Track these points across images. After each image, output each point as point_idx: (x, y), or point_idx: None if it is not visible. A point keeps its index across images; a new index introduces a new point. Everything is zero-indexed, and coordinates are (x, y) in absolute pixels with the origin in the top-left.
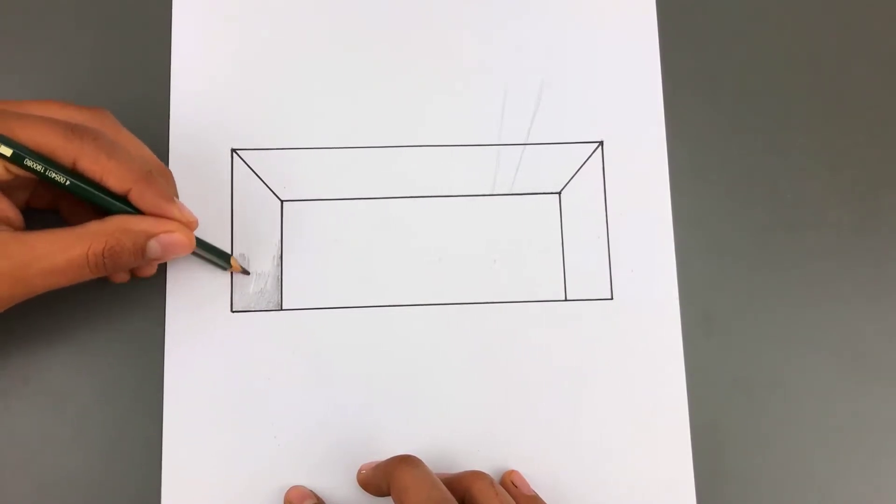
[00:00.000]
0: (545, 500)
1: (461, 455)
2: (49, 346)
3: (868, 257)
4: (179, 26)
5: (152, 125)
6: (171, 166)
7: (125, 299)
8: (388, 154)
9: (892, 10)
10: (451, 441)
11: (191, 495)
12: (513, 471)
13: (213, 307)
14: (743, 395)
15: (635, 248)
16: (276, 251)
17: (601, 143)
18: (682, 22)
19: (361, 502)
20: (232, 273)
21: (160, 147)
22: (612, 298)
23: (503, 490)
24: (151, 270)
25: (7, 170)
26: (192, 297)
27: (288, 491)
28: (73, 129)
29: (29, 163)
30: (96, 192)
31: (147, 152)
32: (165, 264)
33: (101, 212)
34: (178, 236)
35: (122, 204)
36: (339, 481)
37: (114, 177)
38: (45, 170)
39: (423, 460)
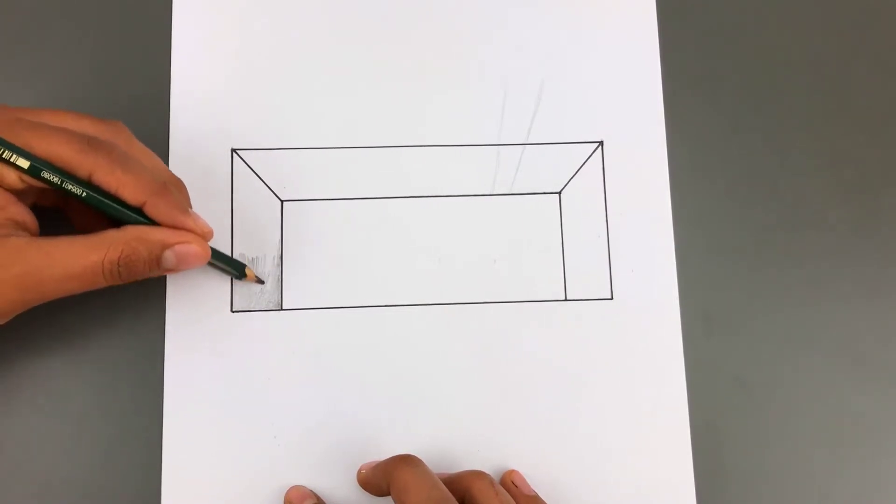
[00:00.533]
0: (545, 500)
1: (461, 455)
2: (49, 347)
3: (868, 257)
4: (179, 26)
5: (152, 125)
6: (171, 167)
7: (125, 300)
8: (388, 154)
9: (892, 10)
10: (451, 441)
11: (191, 495)
12: (513, 470)
13: (213, 307)
14: (743, 395)
15: (635, 247)
16: (276, 251)
17: (601, 143)
18: (682, 22)
19: (361, 502)
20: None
21: (160, 147)
22: (612, 298)
23: (503, 490)
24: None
25: (22, 180)
26: (192, 298)
27: (288, 491)
28: (89, 142)
29: (46, 175)
30: (112, 204)
31: (160, 164)
32: None
33: (111, 218)
34: (193, 247)
35: (138, 215)
36: (339, 481)
37: (129, 189)
38: (62, 182)
39: (423, 460)
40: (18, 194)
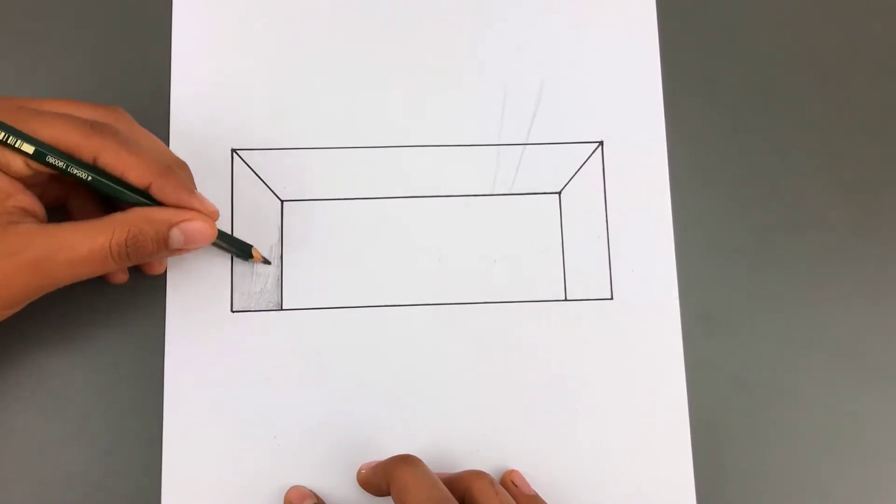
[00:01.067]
0: (545, 500)
1: (461, 455)
2: (49, 346)
3: (868, 257)
4: (179, 26)
5: (152, 125)
6: None
7: (125, 299)
8: (388, 154)
9: (892, 10)
10: (451, 441)
11: (191, 495)
12: (513, 470)
13: (213, 307)
14: (743, 395)
15: (635, 247)
16: (276, 251)
17: (601, 143)
18: (682, 22)
19: (361, 502)
20: (232, 273)
21: None
22: (612, 298)
23: (503, 490)
24: (161, 268)
25: (28, 166)
26: (192, 297)
27: (288, 491)
28: (93, 126)
29: (51, 159)
30: (117, 187)
31: (163, 147)
32: (168, 262)
33: (113, 208)
34: (200, 224)
35: (143, 198)
36: (339, 481)
37: (135, 171)
38: (67, 166)
39: (423, 460)
40: (25, 184)
